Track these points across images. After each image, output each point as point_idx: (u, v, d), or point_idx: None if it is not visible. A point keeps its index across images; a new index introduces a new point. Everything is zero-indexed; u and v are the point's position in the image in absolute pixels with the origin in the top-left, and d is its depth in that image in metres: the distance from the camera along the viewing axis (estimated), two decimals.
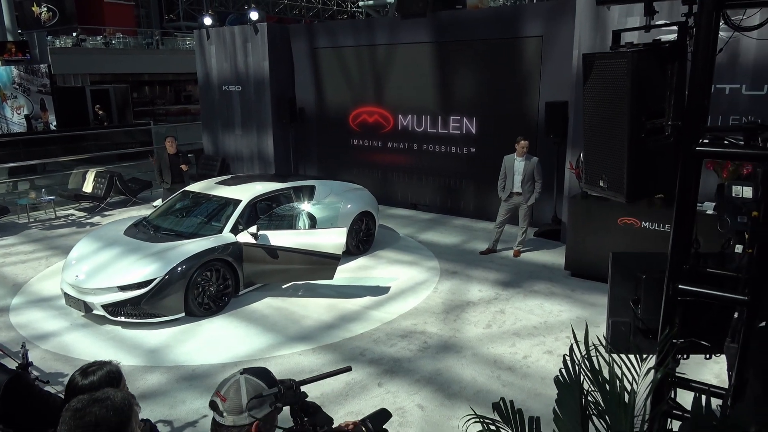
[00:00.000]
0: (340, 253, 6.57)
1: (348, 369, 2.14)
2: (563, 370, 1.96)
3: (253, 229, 6.61)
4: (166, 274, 6.05)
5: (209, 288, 6.38)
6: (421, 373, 5.12)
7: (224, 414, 1.75)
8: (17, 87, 17.48)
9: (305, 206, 7.47)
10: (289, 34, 11.99)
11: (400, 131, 10.82)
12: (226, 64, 12.42)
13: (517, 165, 7.88)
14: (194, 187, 7.92)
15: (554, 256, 8.12)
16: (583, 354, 1.89)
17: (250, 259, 6.61)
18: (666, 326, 2.19)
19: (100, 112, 17.80)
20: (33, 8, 16.88)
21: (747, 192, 2.18)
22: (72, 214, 11.04)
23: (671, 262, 2.21)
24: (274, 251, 6.58)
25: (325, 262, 6.55)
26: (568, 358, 1.95)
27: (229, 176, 8.69)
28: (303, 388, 1.92)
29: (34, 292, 7.15)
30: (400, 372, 5.16)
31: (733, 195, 2.24)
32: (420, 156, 10.69)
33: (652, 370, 1.99)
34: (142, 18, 33.85)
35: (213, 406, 1.79)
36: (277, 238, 6.62)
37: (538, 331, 5.97)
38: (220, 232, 6.75)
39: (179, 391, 4.88)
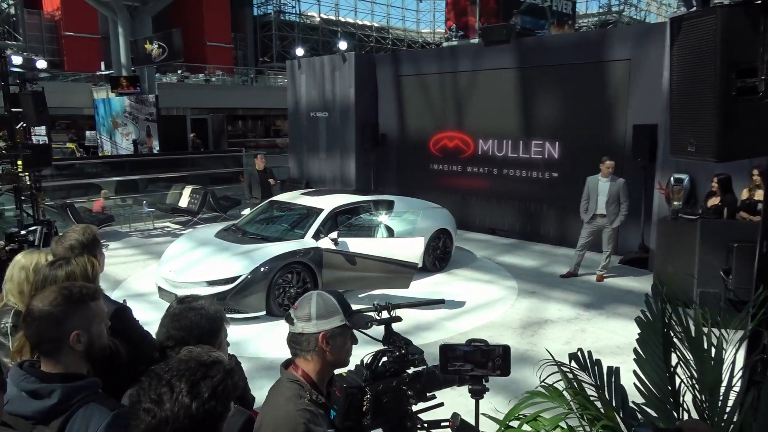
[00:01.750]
0: (418, 262, 6.65)
1: (442, 301, 2.22)
2: (645, 311, 1.93)
3: (334, 234, 6.85)
4: (250, 273, 6.37)
5: (290, 289, 6.63)
6: (494, 380, 5.02)
7: (295, 321, 1.85)
8: (128, 115, 19.25)
9: (384, 218, 7.65)
10: (375, 63, 12.52)
11: (480, 156, 10.89)
12: (314, 91, 13.10)
13: (602, 186, 7.70)
14: (280, 197, 8.34)
15: (641, 283, 7.78)
16: (665, 293, 1.85)
17: (330, 265, 6.82)
18: (759, 286, 2.10)
19: (197, 140, 19.17)
20: (146, 45, 18.66)
21: None
22: (168, 226, 11.88)
23: (765, 218, 2.14)
24: (352, 258, 6.76)
25: (402, 271, 6.64)
26: (650, 298, 1.92)
27: (313, 189, 9.07)
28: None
29: (132, 288, 7.71)
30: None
31: None
32: (500, 180, 10.68)
33: (744, 325, 1.92)
34: (239, 59, 36.43)
35: (287, 317, 1.90)
36: (356, 245, 6.82)
37: (621, 350, 5.71)
38: (302, 237, 7.04)
39: (258, 378, 5.06)
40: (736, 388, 1.79)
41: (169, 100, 23.14)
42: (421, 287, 7.60)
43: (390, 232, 7.46)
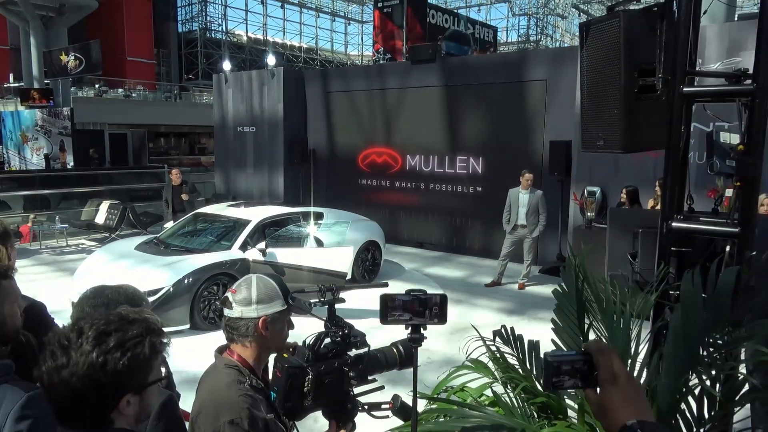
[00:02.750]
0: (347, 272, 6.66)
1: (386, 284, 2.24)
2: (562, 284, 2.05)
3: (262, 245, 6.75)
4: (173, 285, 6.15)
5: (215, 302, 6.44)
6: (426, 382, 5.10)
7: (233, 305, 1.82)
8: (39, 129, 18.15)
9: (313, 229, 7.63)
10: (304, 79, 12.56)
11: (408, 171, 11.11)
12: (242, 106, 12.93)
13: (522, 198, 8.04)
14: (205, 209, 8.14)
15: None
16: (578, 266, 1.98)
17: None
18: (661, 263, 2.29)
19: (95, 156, 18.28)
20: (61, 56, 17.77)
21: (734, 138, 2.33)
22: (82, 243, 11.27)
23: (664, 201, 2.34)
24: (281, 268, 6.67)
25: (331, 281, 6.62)
26: (564, 271, 2.04)
27: (240, 201, 8.91)
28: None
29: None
30: (402, 381, 5.13)
31: (721, 141, 2.39)
32: (427, 195, 10.91)
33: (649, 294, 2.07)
34: (163, 75, 35.35)
35: (224, 301, 1.86)
36: (285, 255, 6.75)
37: (541, 350, 5.94)
38: (229, 249, 6.90)
39: (182, 392, 4.87)
40: (640, 357, 1.92)
41: (85, 115, 22.02)
42: (350, 297, 7.58)
43: (319, 243, 7.43)
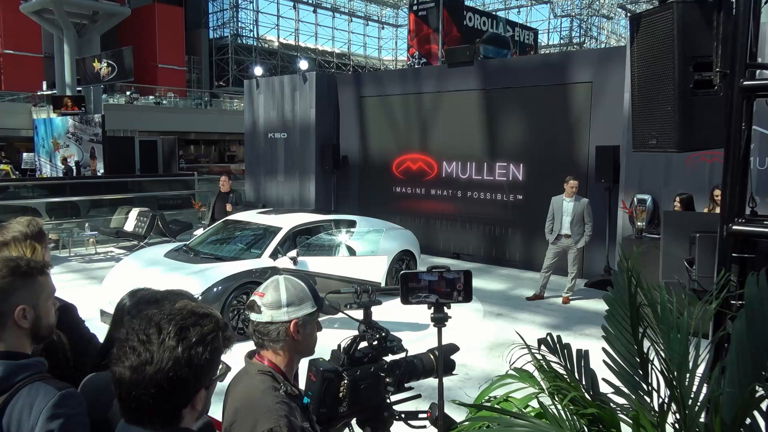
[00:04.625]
0: (381, 281, 6.67)
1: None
2: (612, 289, 2.01)
3: (293, 253, 6.83)
4: (201, 294, 6.25)
5: (245, 311, 6.53)
6: (464, 399, 5.06)
7: (262, 309, 1.82)
8: (70, 136, 18.83)
9: (345, 238, 7.68)
10: (337, 83, 12.72)
11: (444, 178, 11.10)
12: (273, 112, 13.16)
13: (566, 206, 7.93)
14: (235, 216, 8.29)
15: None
16: (630, 268, 1.94)
17: None
18: (721, 269, 2.22)
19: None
20: (94, 63, 18.44)
21: None
22: (111, 251, 11.62)
23: (724, 203, 2.28)
24: (312, 277, 6.72)
25: (365, 291, 6.65)
26: (615, 275, 2.01)
27: (270, 209, 9.04)
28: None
29: None
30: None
31: None
32: (464, 203, 10.88)
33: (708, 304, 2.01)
34: (193, 82, 36.32)
35: (251, 305, 1.87)
36: (316, 264, 6.81)
37: None
38: (259, 257, 7.00)
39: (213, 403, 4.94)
40: (700, 370, 1.87)
41: (116, 122, 22.80)
42: (383, 310, 7.60)
43: (352, 252, 7.48)
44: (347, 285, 1.98)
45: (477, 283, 9.23)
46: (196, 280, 6.40)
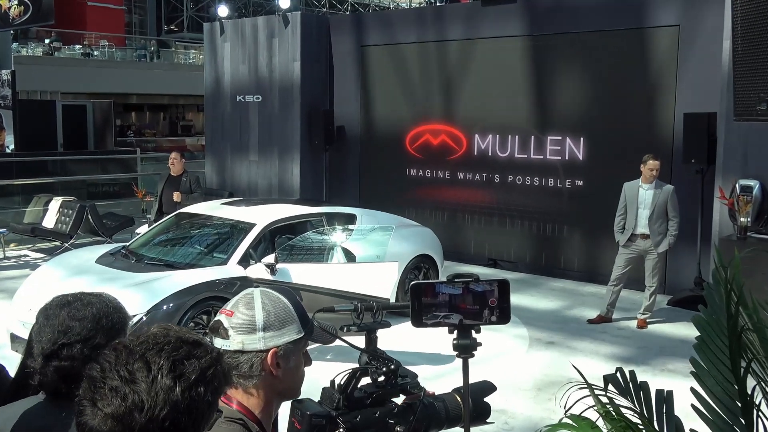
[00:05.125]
0: (389, 297, 6.69)
1: (405, 306, 2.25)
2: (703, 308, 2.01)
3: (270, 258, 6.86)
4: (146, 313, 6.30)
5: (207, 336, 6.56)
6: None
7: (230, 333, 1.81)
8: None
9: (341, 238, 7.70)
10: (330, 28, 12.73)
11: (476, 157, 11.09)
12: (243, 66, 13.19)
13: (644, 195, 7.93)
14: (193, 208, 8.34)
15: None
16: (730, 279, 1.94)
17: None
18: None
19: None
20: (1, 2, 18.49)
21: None
22: (25, 255, 11.66)
23: None
24: (297, 291, 6.73)
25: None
26: (708, 290, 2.01)
27: (239, 198, 9.08)
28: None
29: None
30: None
31: None
32: (503, 192, 10.86)
33: None
34: (135, 26, 36.41)
35: (215, 327, 1.85)
36: (302, 273, 6.85)
37: None
38: (225, 263, 7.02)
39: None
40: None
41: (31, 80, 22.89)
42: (393, 335, 7.61)
43: (350, 257, 7.49)
44: (344, 301, 1.98)
45: (521, 299, 9.26)
46: (139, 294, 6.44)
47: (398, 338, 7.40)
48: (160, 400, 1.23)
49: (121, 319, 1.98)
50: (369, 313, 2.05)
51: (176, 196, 9.45)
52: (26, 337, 6.22)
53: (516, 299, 9.33)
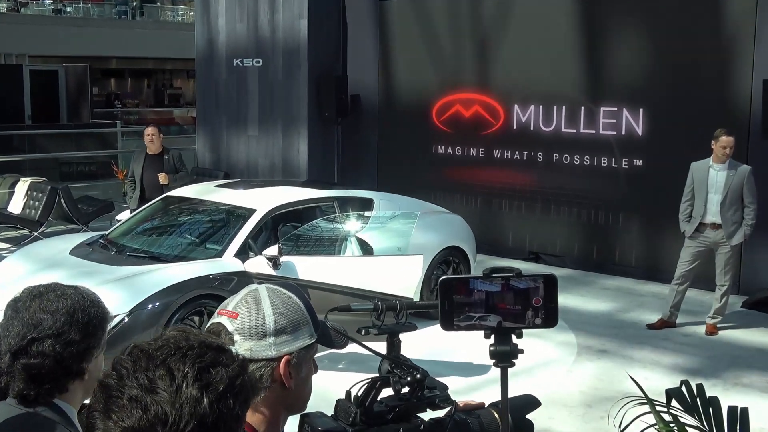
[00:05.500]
0: (412, 297, 6.70)
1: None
2: None
3: (273, 250, 6.88)
4: (129, 313, 6.35)
5: None
6: None
7: (235, 338, 1.81)
8: None
9: (356, 226, 7.70)
10: None
11: (516, 132, 11.05)
12: (241, 24, 13.18)
13: (715, 177, 7.90)
14: (183, 191, 8.39)
15: None
16: None
17: None
18: None
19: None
20: None
21: None
22: None
23: None
24: (303, 289, 6.77)
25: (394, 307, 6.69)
26: None
27: (237, 180, 9.11)
28: None
29: None
30: None
31: None
32: (547, 173, 10.83)
33: None
34: None
35: (215, 331, 1.84)
36: (311, 268, 6.87)
37: None
38: (220, 256, 7.06)
39: None
40: None
41: None
42: (420, 340, 7.63)
43: (366, 249, 7.50)
44: (361, 301, 1.99)
45: (568, 300, 9.24)
46: (120, 292, 6.48)
47: (425, 343, 7.44)
48: (186, 412, 1.24)
49: (99, 314, 2.01)
50: (391, 313, 2.04)
51: (162, 178, 9.42)
52: None
53: (562, 300, 9.15)
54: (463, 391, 6.55)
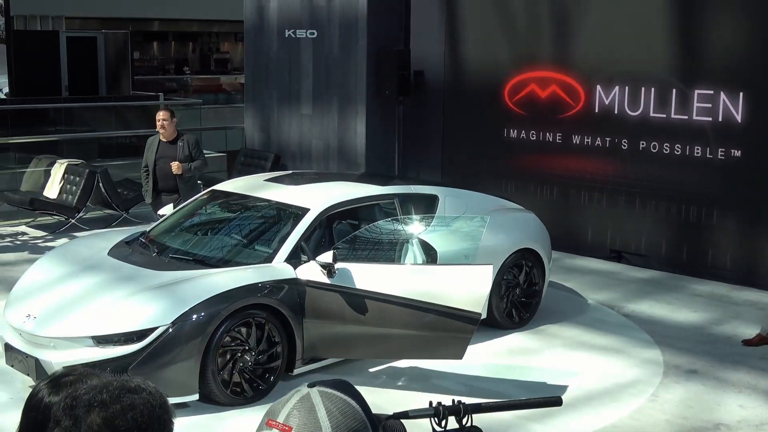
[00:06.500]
0: (480, 311, 6.63)
1: (558, 402, 2.22)
2: None
3: (328, 257, 6.84)
4: (172, 324, 6.38)
5: (244, 355, 6.63)
6: None
7: None
8: None
9: (419, 228, 7.63)
10: None
11: (598, 115, 10.92)
12: None
13: None
14: (230, 185, 8.41)
15: None
16: None
17: (319, 312, 6.82)
18: None
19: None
20: None
21: None
22: (23, 233, 11.99)
23: None
24: (360, 300, 6.74)
25: (452, 327, 6.64)
26: None
27: (288, 172, 9.11)
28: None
29: None
30: None
31: None
32: (633, 162, 10.71)
33: None
34: None
35: None
36: (370, 277, 6.82)
37: None
38: (270, 260, 7.06)
39: None
40: None
41: (28, 4, 23.32)
42: (487, 356, 7.59)
43: (429, 255, 7.44)
44: (420, 408, 1.95)
45: (653, 308, 9.14)
46: (163, 300, 6.52)
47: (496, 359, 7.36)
48: None
49: (167, 421, 1.97)
50: (455, 417, 1.99)
51: (175, 167, 9.37)
52: (24, 350, 6.32)
53: (646, 307, 9.23)
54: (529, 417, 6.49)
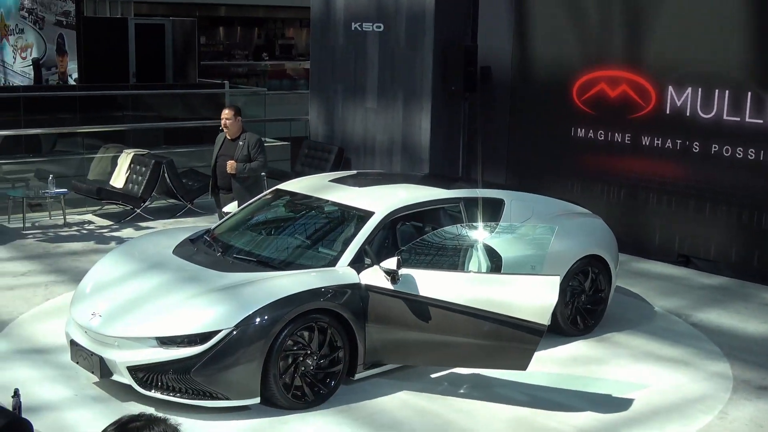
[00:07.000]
0: (545, 322, 6.54)
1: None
2: None
3: (392, 263, 6.78)
4: (236, 326, 6.39)
5: (306, 359, 6.62)
6: None
7: None
8: (26, 16, 19.76)
9: (485, 234, 7.55)
10: None
11: (669, 117, 10.78)
12: None
13: None
14: (294, 185, 8.40)
15: None
16: None
17: (382, 317, 6.79)
18: None
19: None
20: None
21: None
22: (90, 222, 12.17)
23: None
24: (424, 307, 6.69)
25: (517, 338, 6.57)
26: None
27: (353, 172, 9.08)
28: None
29: (25, 336, 7.89)
30: None
31: None
32: (704, 165, 10.54)
33: None
34: None
35: None
36: (434, 283, 6.77)
37: None
38: (333, 264, 7.04)
39: None
40: None
41: None
42: (550, 365, 7.50)
43: (495, 262, 7.36)
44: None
45: (722, 317, 9.01)
46: (227, 303, 6.53)
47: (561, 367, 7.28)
48: None
49: None
50: None
51: (229, 166, 9.40)
52: (89, 347, 6.44)
53: (715, 316, 9.08)
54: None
